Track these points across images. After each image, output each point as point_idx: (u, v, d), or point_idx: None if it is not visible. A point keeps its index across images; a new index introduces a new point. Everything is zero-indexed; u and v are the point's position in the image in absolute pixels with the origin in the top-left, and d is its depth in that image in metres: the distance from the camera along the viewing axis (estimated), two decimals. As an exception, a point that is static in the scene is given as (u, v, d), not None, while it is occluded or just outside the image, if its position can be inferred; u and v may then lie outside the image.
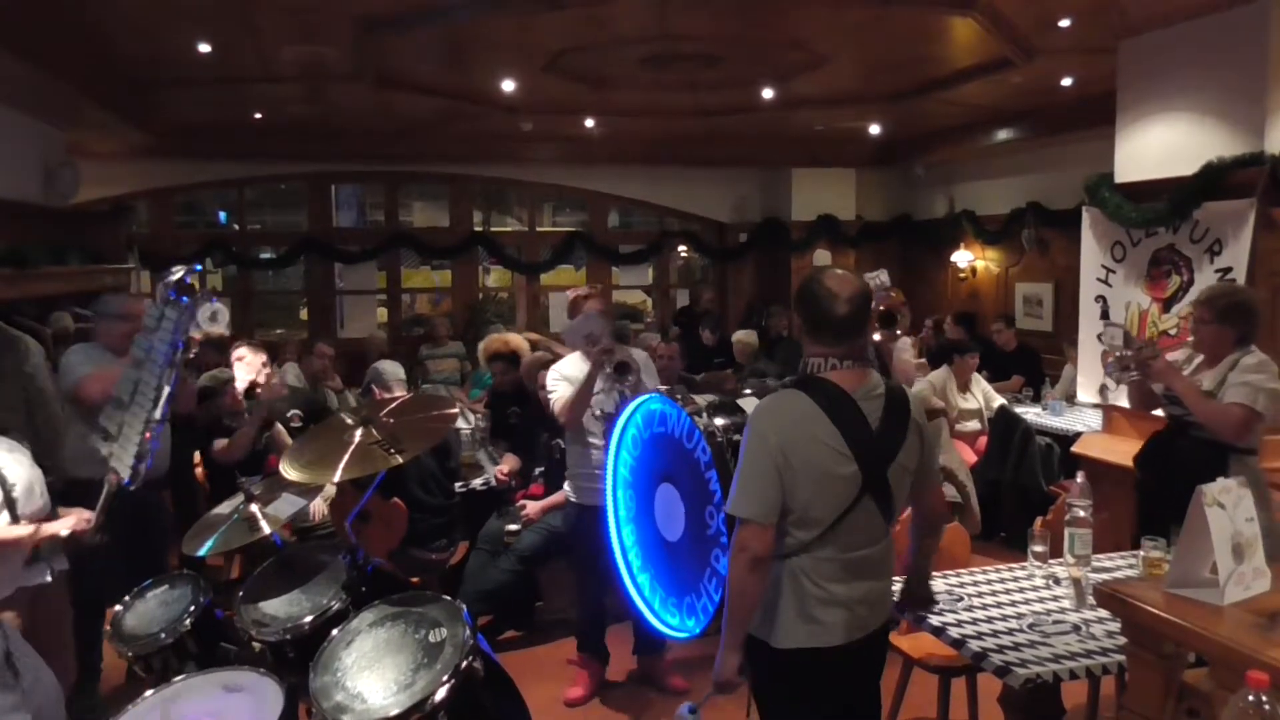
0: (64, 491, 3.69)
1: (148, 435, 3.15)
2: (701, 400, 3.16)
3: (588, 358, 4.14)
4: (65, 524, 3.21)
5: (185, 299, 3.19)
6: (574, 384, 4.16)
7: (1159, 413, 4.04)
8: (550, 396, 4.30)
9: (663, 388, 4.32)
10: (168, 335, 3.19)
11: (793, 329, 9.56)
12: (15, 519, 3.14)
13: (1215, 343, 3.68)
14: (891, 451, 2.52)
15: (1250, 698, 1.55)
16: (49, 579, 3.27)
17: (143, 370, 3.26)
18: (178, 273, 3.30)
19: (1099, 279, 5.74)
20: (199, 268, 3.62)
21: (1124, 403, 4.76)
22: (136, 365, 3.32)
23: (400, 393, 5.02)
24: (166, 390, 3.16)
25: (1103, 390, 5.43)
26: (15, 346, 5.23)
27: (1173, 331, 5.21)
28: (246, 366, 5.06)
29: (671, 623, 3.02)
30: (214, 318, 3.49)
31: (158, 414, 3.15)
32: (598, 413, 4.17)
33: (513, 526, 4.93)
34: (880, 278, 4.47)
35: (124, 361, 3.86)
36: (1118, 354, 3.91)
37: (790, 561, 2.47)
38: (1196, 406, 3.58)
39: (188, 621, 2.90)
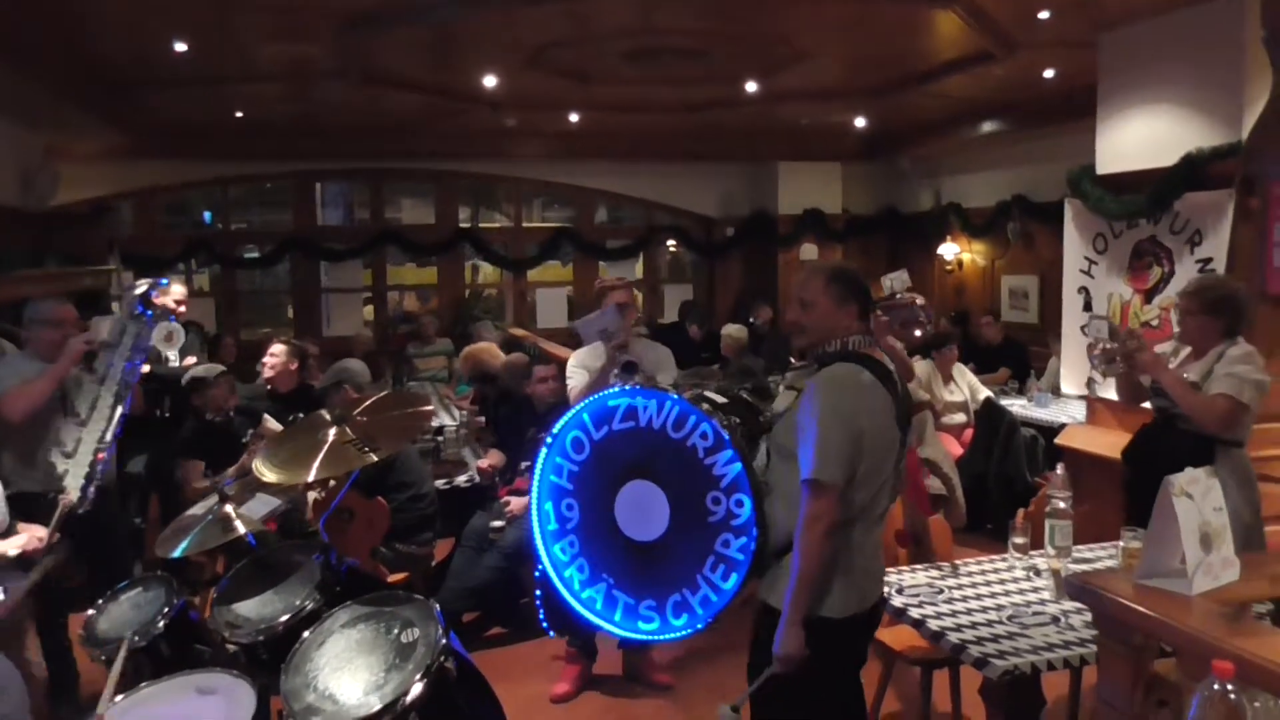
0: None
1: (99, 456, 3.13)
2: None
3: (608, 353, 4.12)
4: (14, 544, 3.17)
5: (148, 312, 3.17)
6: (592, 373, 4.16)
7: (1148, 405, 4.05)
8: (570, 384, 4.34)
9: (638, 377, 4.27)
10: (126, 352, 3.16)
11: (779, 323, 9.55)
12: None
13: (1202, 334, 3.66)
14: (909, 420, 2.77)
15: (1215, 686, 1.55)
16: (1, 598, 3.17)
17: (103, 387, 3.23)
18: (141, 286, 3.28)
19: (1082, 270, 5.76)
20: (164, 281, 3.60)
21: (1111, 395, 4.77)
22: (99, 381, 3.28)
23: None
24: (120, 412, 3.12)
25: (1090, 383, 5.44)
26: (-4, 351, 5.20)
27: (1154, 323, 5.23)
28: (270, 365, 5.10)
29: (646, 629, 2.85)
30: (169, 338, 3.46)
31: (109, 435, 3.10)
32: None
33: (497, 523, 4.91)
34: (901, 277, 4.48)
35: (53, 369, 3.76)
36: (1103, 347, 3.90)
37: (846, 529, 2.58)
38: (1182, 399, 3.55)
39: (161, 624, 2.87)
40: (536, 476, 2.99)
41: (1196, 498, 1.96)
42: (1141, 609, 1.87)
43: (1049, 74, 6.84)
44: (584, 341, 4.42)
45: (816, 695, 2.65)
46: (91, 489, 3.17)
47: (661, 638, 2.84)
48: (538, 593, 4.45)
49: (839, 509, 2.52)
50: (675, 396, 2.72)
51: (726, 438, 2.61)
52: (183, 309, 5.41)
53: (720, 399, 2.85)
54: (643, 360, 4.17)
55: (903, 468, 2.82)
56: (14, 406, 3.76)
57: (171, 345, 3.46)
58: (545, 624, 4.47)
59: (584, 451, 2.91)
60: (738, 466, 2.60)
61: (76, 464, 3.22)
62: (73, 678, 4.10)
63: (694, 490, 2.69)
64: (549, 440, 2.96)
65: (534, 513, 3.01)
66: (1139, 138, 5.27)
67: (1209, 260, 4.90)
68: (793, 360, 4.19)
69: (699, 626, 2.73)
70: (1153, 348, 3.80)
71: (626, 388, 2.84)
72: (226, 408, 4.89)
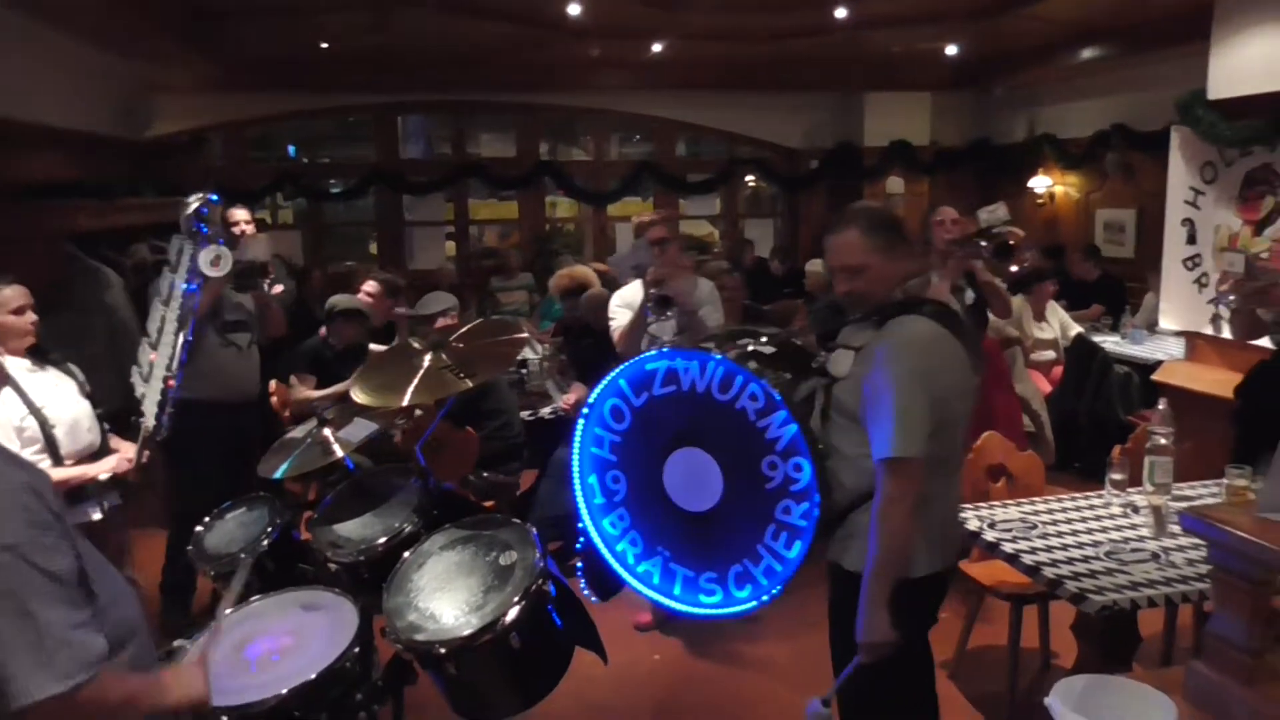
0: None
1: (169, 383, 3.18)
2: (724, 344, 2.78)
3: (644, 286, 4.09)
4: (105, 467, 3.30)
5: (203, 228, 3.20)
6: (635, 311, 4.14)
7: (1261, 342, 3.91)
8: (611, 324, 4.32)
9: (713, 324, 4.21)
10: (183, 274, 3.21)
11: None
12: (58, 460, 3.20)
13: None
14: (982, 360, 2.62)
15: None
16: (98, 516, 3.33)
17: (166, 309, 3.30)
18: (193, 203, 3.31)
19: (1187, 201, 5.51)
20: (215, 198, 3.63)
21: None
22: (164, 302, 3.36)
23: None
24: (184, 339, 3.17)
25: (1215, 320, 5.20)
26: (96, 278, 5.37)
27: (1264, 255, 5.00)
28: (365, 301, 5.32)
29: (709, 601, 2.63)
30: (216, 262, 3.47)
31: (175, 364, 3.16)
32: (658, 342, 4.14)
33: (581, 454, 4.95)
34: (998, 212, 4.33)
35: (208, 285, 3.97)
36: (1234, 281, 3.77)
37: (924, 486, 2.41)
38: None
39: (265, 542, 2.96)
40: (576, 449, 2.77)
41: (1327, 430, 1.88)
42: (1264, 543, 1.80)
43: (1158, -7, 6.51)
44: (620, 279, 4.38)
45: (896, 662, 2.47)
46: (165, 416, 3.26)
47: (726, 611, 2.62)
48: (579, 565, 4.42)
49: (921, 479, 2.36)
50: (719, 357, 2.48)
51: (778, 398, 2.37)
52: (250, 228, 5.30)
53: (769, 350, 2.62)
54: (688, 297, 4.12)
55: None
56: None
57: (218, 269, 3.46)
58: (589, 592, 4.45)
59: (625, 420, 2.68)
60: (793, 429, 2.36)
61: (150, 388, 3.32)
62: (190, 587, 4.33)
63: (747, 456, 2.47)
64: (585, 411, 2.73)
65: (578, 488, 2.79)
66: (1258, 59, 4.98)
67: (1329, 189, 4.65)
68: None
69: (764, 599, 2.52)
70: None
71: (666, 349, 2.59)
72: (350, 343, 5.08)
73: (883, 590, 2.37)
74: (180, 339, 3.16)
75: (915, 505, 2.37)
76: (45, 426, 3.17)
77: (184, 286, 3.20)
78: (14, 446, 3.06)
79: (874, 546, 2.37)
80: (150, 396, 3.26)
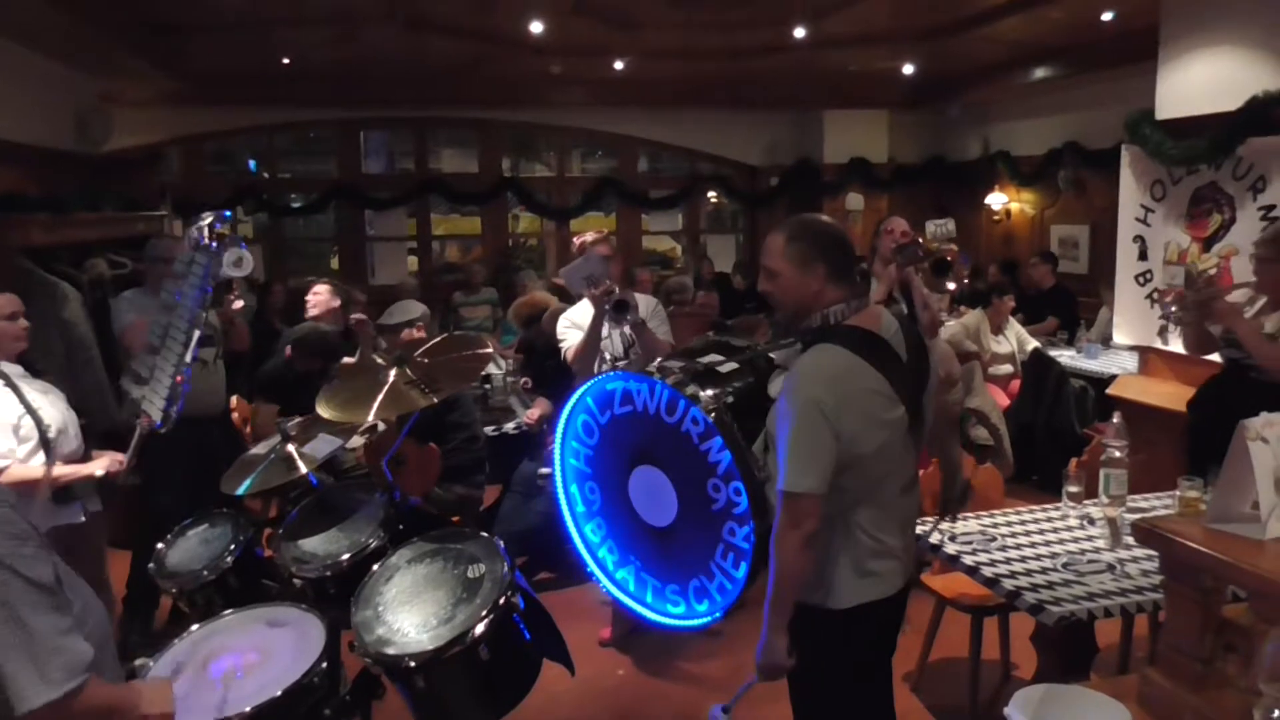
0: (108, 434, 3.79)
1: (179, 379, 3.25)
2: (673, 364, 2.69)
3: (593, 301, 4.12)
4: (99, 465, 3.35)
5: (214, 244, 3.27)
6: (584, 329, 4.17)
7: (1213, 357, 3.99)
8: (561, 345, 4.34)
9: (662, 337, 4.26)
10: (196, 280, 3.28)
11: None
12: (53, 459, 3.24)
13: (1277, 283, 3.62)
14: (924, 382, 2.49)
15: (1292, 630, 1.54)
16: (83, 519, 3.39)
17: (173, 315, 3.36)
18: (207, 218, 3.39)
19: (1137, 219, 5.64)
20: (228, 214, 3.73)
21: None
22: (166, 310, 3.41)
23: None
24: (196, 334, 3.26)
25: (1163, 332, 5.32)
26: (52, 293, 5.29)
27: (1212, 271, 5.12)
28: (314, 304, 5.42)
29: (675, 612, 2.72)
30: (238, 263, 3.56)
31: (188, 357, 3.24)
32: (608, 356, 4.17)
33: (545, 470, 4.95)
34: (946, 226, 4.36)
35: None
36: (1175, 294, 3.85)
37: (844, 516, 2.36)
38: (1258, 349, 3.52)
39: (229, 559, 2.94)
40: (557, 460, 2.84)
41: (1272, 442, 1.93)
42: (1213, 553, 1.86)
43: (1107, 16, 6.65)
44: (571, 291, 4.40)
45: (829, 692, 2.51)
46: (173, 410, 3.32)
47: (688, 624, 2.68)
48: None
49: (821, 512, 2.28)
50: (662, 381, 2.51)
51: (712, 424, 2.40)
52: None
53: (730, 366, 2.63)
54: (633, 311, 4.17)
55: (926, 432, 2.56)
56: (133, 340, 4.05)
57: (241, 269, 3.55)
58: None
59: (594, 436, 2.77)
60: (728, 455, 2.41)
61: (153, 389, 3.37)
62: (152, 604, 4.30)
63: (695, 477, 2.52)
64: (561, 424, 2.80)
65: (562, 497, 2.88)
66: (1202, 80, 5.13)
67: (1272, 207, 4.78)
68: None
69: (718, 615, 2.58)
70: (1226, 296, 3.75)
71: (620, 371, 2.68)
72: (313, 369, 5.07)
73: (779, 616, 2.36)
74: (194, 336, 3.26)
75: (829, 537, 2.34)
76: (40, 425, 3.20)
77: (195, 293, 3.29)
78: (10, 444, 3.15)
79: (771, 573, 2.34)
80: (154, 394, 3.32)
